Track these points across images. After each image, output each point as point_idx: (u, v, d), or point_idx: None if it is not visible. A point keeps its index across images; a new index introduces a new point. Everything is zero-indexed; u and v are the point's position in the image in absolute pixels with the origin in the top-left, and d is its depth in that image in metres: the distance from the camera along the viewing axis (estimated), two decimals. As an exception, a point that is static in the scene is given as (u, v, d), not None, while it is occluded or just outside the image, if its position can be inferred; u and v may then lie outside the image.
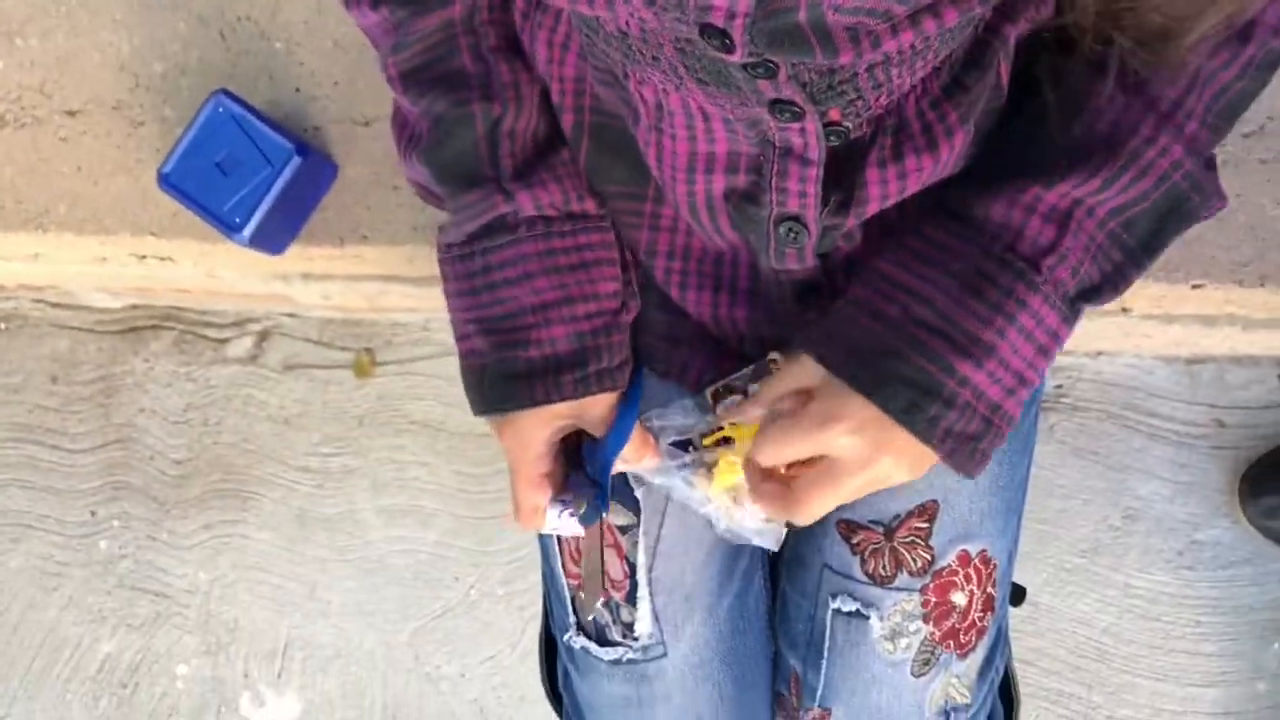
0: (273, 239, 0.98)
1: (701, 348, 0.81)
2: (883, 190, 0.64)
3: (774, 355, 0.76)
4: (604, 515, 0.77)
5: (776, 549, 0.79)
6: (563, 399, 0.71)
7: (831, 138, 0.61)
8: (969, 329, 0.63)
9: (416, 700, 1.39)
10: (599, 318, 0.73)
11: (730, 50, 0.53)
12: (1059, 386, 1.35)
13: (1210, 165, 0.66)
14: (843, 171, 0.64)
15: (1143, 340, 1.19)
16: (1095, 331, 1.17)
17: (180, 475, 1.44)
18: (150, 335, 1.46)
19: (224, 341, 1.45)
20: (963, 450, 0.65)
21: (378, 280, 1.12)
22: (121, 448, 1.45)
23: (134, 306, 1.46)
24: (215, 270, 1.15)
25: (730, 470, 0.76)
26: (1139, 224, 0.65)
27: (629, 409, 0.74)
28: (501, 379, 0.72)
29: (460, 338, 0.74)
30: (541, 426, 0.73)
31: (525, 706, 1.37)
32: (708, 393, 0.78)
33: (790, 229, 0.66)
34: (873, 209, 0.65)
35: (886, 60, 0.56)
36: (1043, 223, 0.63)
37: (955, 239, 0.65)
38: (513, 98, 0.70)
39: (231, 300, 1.39)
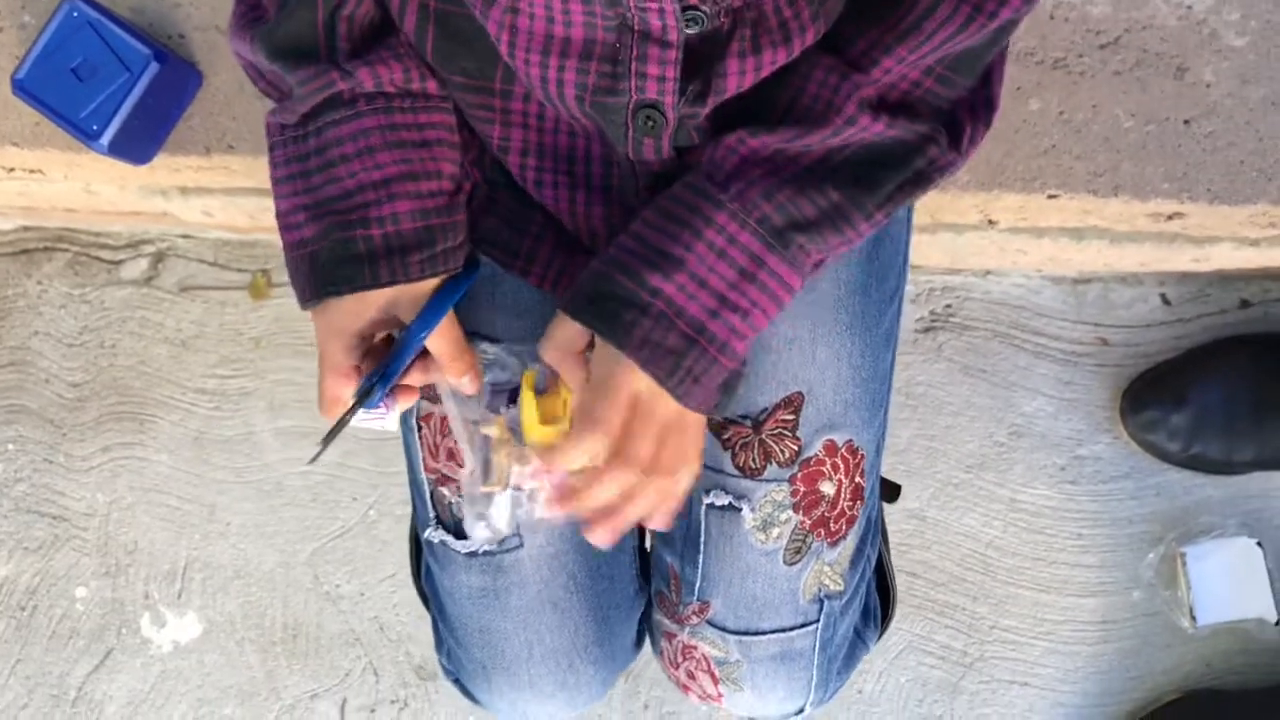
0: (135, 148, 0.97)
1: (549, 240, 0.81)
2: (740, 81, 0.66)
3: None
4: (381, 396, 0.75)
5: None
6: (409, 280, 0.71)
7: (689, 24, 0.62)
8: (656, 243, 0.67)
9: (316, 618, 1.40)
10: (442, 196, 0.72)
11: None
12: (948, 306, 1.37)
13: (952, 120, 0.69)
14: (700, 62, 0.65)
15: (1019, 256, 1.21)
16: (971, 247, 1.19)
17: (76, 398, 1.43)
18: (43, 257, 1.44)
19: (118, 263, 1.44)
20: (663, 362, 0.67)
21: (253, 194, 1.11)
22: (16, 370, 1.44)
23: (25, 228, 1.44)
24: (91, 185, 1.14)
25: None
26: (847, 167, 0.68)
27: (447, 293, 0.73)
28: (339, 261, 0.71)
29: (287, 227, 0.73)
30: (358, 315, 0.73)
31: (424, 624, 1.39)
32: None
33: (648, 118, 0.67)
34: (727, 97, 0.67)
35: None
36: (740, 160, 0.68)
37: (667, 182, 0.70)
38: None
39: (122, 220, 1.38)
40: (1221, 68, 0.94)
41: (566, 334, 0.71)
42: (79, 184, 1.13)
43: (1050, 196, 0.95)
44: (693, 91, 0.66)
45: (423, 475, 0.88)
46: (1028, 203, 0.96)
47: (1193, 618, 1.28)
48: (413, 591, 1.39)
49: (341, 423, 0.74)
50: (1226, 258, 1.16)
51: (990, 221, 1.05)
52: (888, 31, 0.65)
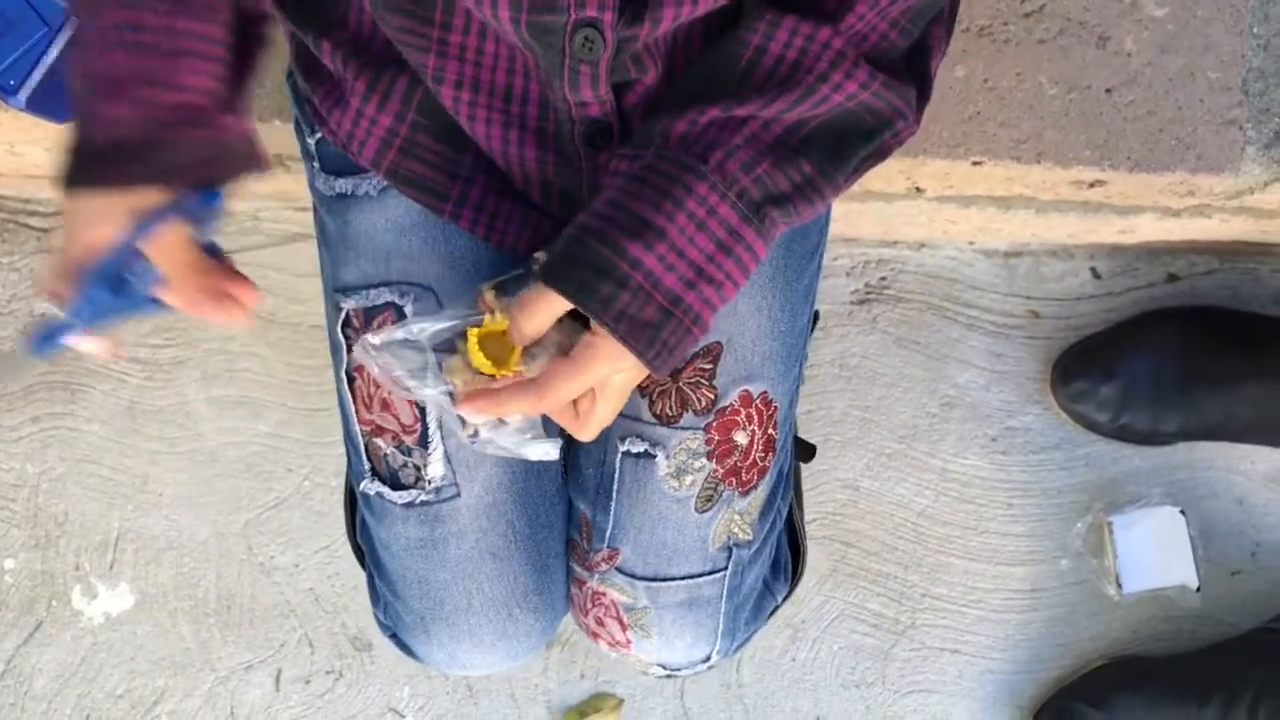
0: (56, 106, 0.96)
1: (479, 183, 0.81)
2: (676, 7, 0.65)
3: (538, 254, 0.76)
4: (60, 345, 0.70)
5: (558, 457, 0.79)
6: (129, 185, 0.67)
7: None
8: (637, 212, 0.67)
9: (250, 590, 1.39)
10: (180, 111, 0.68)
11: None
12: (883, 279, 1.38)
13: (905, 73, 0.70)
14: None
15: (949, 226, 1.22)
16: (902, 216, 1.20)
17: (5, 367, 1.41)
18: (-30, 224, 1.42)
19: (48, 230, 1.42)
20: (641, 335, 0.68)
21: (180, 156, 1.10)
22: (-58, 339, 1.41)
23: (-49, 194, 1.41)
24: (15, 146, 1.12)
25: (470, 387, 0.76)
26: (819, 139, 0.69)
27: (155, 216, 0.67)
28: (79, 153, 0.67)
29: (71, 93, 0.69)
30: (105, 219, 0.68)
31: (359, 595, 1.39)
32: (486, 292, 0.78)
33: (586, 38, 0.66)
34: (666, 20, 0.66)
35: None
36: (718, 130, 0.68)
37: (639, 151, 0.70)
38: None
39: (53, 186, 1.35)
40: (1142, 37, 0.95)
41: (547, 303, 0.71)
42: (1, 145, 1.11)
43: (975, 163, 0.96)
44: (630, 13, 0.66)
45: (357, 428, 0.88)
46: (952, 169, 0.97)
47: (1119, 585, 1.31)
48: (348, 563, 1.39)
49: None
50: (1151, 229, 1.18)
51: (918, 189, 1.06)
52: None
